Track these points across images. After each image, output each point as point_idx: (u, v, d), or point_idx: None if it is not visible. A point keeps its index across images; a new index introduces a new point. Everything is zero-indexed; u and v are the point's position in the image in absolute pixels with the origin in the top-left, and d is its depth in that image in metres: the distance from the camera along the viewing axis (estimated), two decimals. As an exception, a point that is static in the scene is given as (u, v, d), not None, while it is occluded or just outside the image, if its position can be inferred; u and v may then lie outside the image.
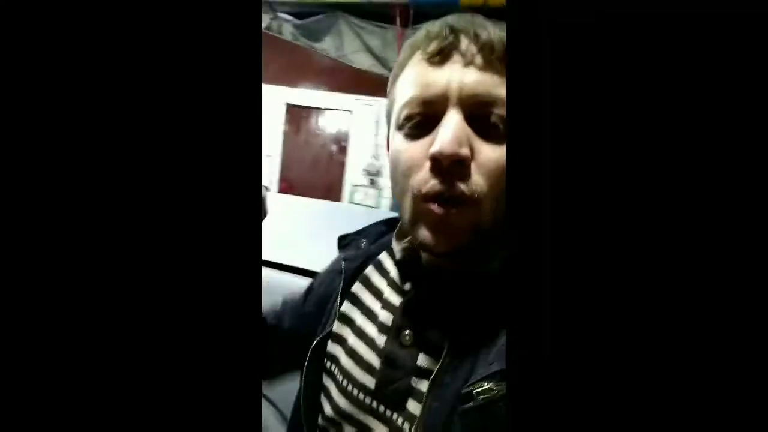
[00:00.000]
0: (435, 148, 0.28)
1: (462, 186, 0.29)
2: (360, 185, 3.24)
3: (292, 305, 0.46)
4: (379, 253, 0.41)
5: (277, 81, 3.33)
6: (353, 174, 3.25)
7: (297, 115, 3.37)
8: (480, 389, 0.27)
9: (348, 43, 3.32)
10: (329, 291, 0.43)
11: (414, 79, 0.31)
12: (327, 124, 3.34)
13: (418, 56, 0.32)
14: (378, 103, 3.17)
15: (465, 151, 0.28)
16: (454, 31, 0.30)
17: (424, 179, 0.30)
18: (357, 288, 0.40)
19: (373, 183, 3.23)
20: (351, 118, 3.28)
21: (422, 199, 0.30)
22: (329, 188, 3.24)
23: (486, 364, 0.29)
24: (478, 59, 0.29)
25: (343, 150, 3.27)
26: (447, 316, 0.33)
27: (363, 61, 3.30)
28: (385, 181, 3.15)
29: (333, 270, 0.45)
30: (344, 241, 0.45)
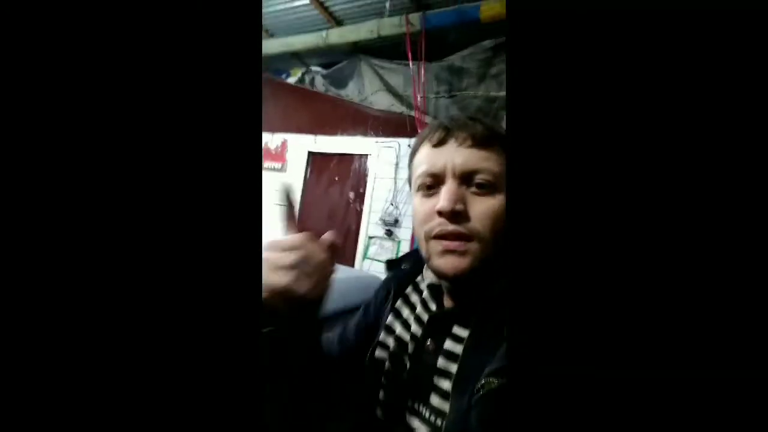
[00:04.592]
0: (439, 206, 0.41)
1: (461, 228, 0.40)
2: (376, 237, 2.93)
3: (356, 321, 0.58)
4: (418, 274, 0.52)
5: (303, 130, 3.37)
6: (372, 222, 2.97)
7: (318, 162, 3.31)
8: (483, 383, 0.35)
9: (368, 85, 3.16)
10: (380, 306, 0.56)
11: (424, 159, 0.45)
12: (346, 170, 3.18)
13: (426, 143, 0.46)
14: (398, 144, 2.87)
15: (459, 206, 0.40)
16: (449, 127, 0.44)
17: (435, 224, 0.42)
18: (399, 304, 0.52)
19: (390, 234, 2.89)
20: (371, 162, 3.05)
21: (434, 237, 0.42)
22: (345, 239, 3.02)
23: (490, 366, 0.36)
24: (466, 143, 0.43)
25: (361, 198, 3.04)
26: (462, 330, 0.43)
27: (383, 101, 3.08)
28: (403, 233, 2.79)
29: (383, 288, 0.57)
30: (392, 265, 0.58)
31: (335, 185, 3.22)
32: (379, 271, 2.57)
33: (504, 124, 0.37)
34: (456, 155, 0.42)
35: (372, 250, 2.94)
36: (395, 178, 2.89)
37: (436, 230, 0.41)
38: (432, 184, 0.43)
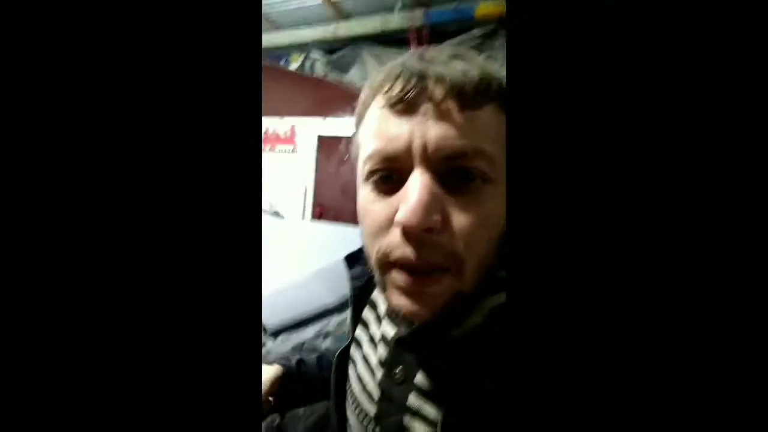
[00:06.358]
0: (400, 217, 0.25)
1: (436, 254, 0.26)
2: (387, 208, 3.40)
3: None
4: None
5: (310, 114, 3.64)
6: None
7: (328, 145, 3.64)
8: None
9: (371, 72, 3.47)
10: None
11: (376, 129, 0.28)
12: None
13: (379, 100, 0.28)
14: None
15: (435, 219, 0.25)
16: (419, 74, 0.26)
17: (393, 244, 0.27)
18: (366, 312, 0.39)
19: (399, 205, 3.36)
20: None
21: (392, 264, 0.27)
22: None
23: (481, 421, 0.26)
24: (449, 107, 0.25)
25: (371, 175, 3.47)
26: (436, 359, 0.31)
27: (387, 88, 3.43)
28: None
29: (358, 288, 0.43)
30: (352, 261, 0.42)
31: (346, 165, 3.56)
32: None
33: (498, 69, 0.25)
34: (431, 126, 0.25)
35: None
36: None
37: (395, 255, 0.27)
38: (389, 172, 0.27)
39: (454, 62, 0.27)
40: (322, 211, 3.65)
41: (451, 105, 0.26)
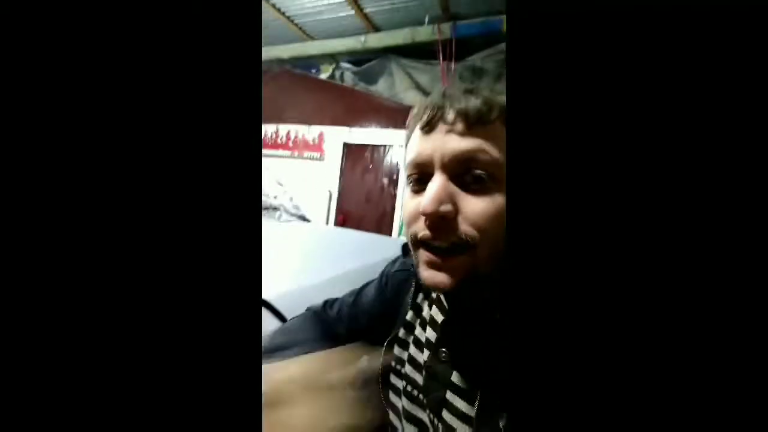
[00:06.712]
0: (421, 207, 0.34)
1: (451, 236, 0.34)
2: (410, 216, 3.42)
3: (369, 301, 0.54)
4: None
5: (338, 123, 3.74)
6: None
7: (354, 152, 3.73)
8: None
9: (399, 83, 3.55)
10: (401, 290, 0.50)
11: (412, 145, 0.38)
12: (380, 159, 3.63)
13: (417, 125, 0.38)
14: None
15: (445, 208, 0.33)
16: (439, 106, 0.36)
17: (419, 227, 0.36)
18: (420, 299, 0.47)
19: (422, 214, 3.38)
20: (403, 152, 3.49)
21: (419, 244, 0.36)
22: (381, 219, 3.51)
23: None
24: (458, 127, 0.34)
25: (395, 183, 3.52)
26: (479, 340, 0.37)
27: (413, 98, 3.49)
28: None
29: (404, 271, 0.52)
30: (408, 250, 0.48)
31: (370, 172, 3.66)
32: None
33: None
34: (445, 141, 0.35)
35: (407, 227, 3.43)
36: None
37: (419, 236, 0.36)
38: (420, 177, 0.37)
39: (465, 95, 0.36)
40: (345, 219, 3.73)
41: (459, 126, 0.35)
